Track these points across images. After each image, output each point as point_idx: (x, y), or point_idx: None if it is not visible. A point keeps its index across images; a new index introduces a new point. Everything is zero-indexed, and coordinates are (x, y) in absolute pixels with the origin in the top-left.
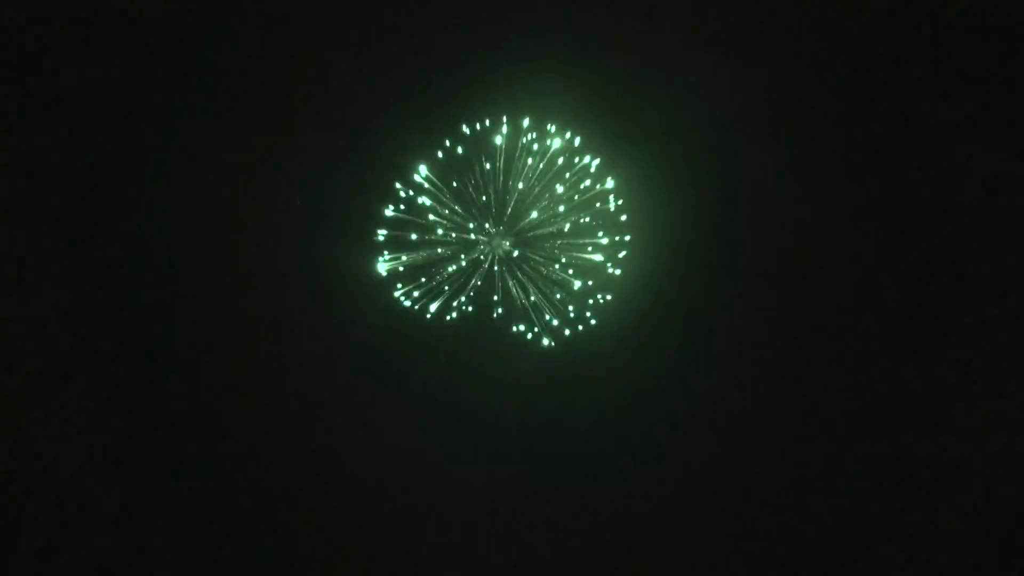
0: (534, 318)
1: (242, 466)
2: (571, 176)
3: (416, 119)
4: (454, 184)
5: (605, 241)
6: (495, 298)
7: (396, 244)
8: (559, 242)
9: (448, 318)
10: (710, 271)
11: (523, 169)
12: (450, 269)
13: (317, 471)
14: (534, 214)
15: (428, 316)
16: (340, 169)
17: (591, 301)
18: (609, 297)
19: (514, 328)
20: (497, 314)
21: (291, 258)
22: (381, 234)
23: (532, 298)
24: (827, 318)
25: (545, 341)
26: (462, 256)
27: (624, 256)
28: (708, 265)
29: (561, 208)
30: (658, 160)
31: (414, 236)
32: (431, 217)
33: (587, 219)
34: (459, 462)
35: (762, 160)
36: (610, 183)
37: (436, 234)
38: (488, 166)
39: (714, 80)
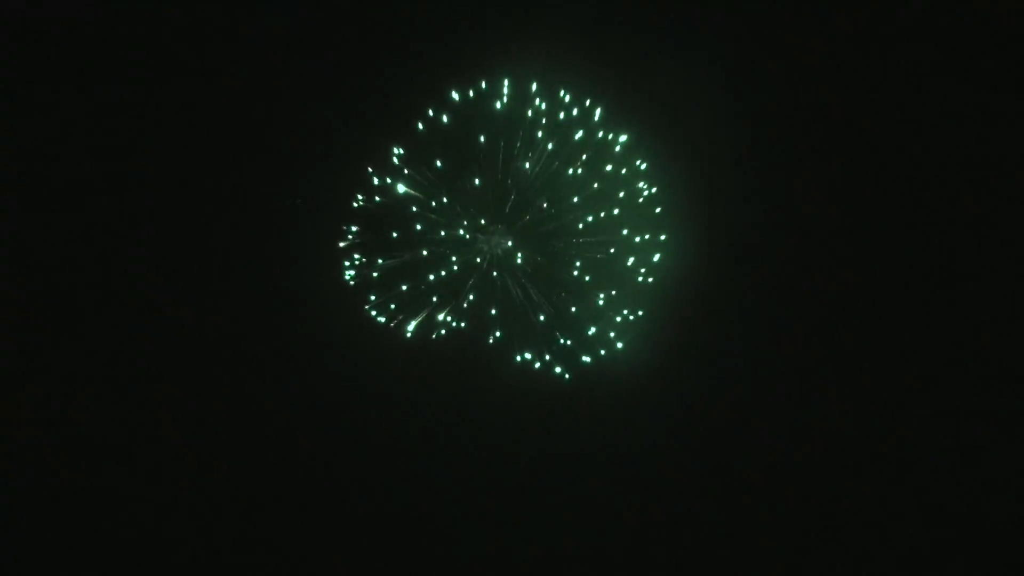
0: (543, 341)
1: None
2: (590, 157)
3: (391, 82)
4: (438, 164)
5: (637, 240)
6: (492, 313)
7: (367, 244)
8: (575, 241)
9: (433, 336)
10: (772, 280)
11: (530, 147)
12: (435, 276)
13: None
14: (544, 205)
15: (407, 335)
16: (293, 148)
17: (617, 318)
18: (640, 313)
19: (518, 357)
20: (495, 338)
21: (227, 267)
22: (348, 232)
23: (541, 316)
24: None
25: (558, 369)
26: (453, 259)
27: (658, 260)
28: (770, 273)
29: (576, 199)
30: (703, 137)
31: (395, 235)
32: (414, 209)
33: (612, 212)
34: (449, 547)
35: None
36: (641, 166)
37: (417, 231)
38: (484, 142)
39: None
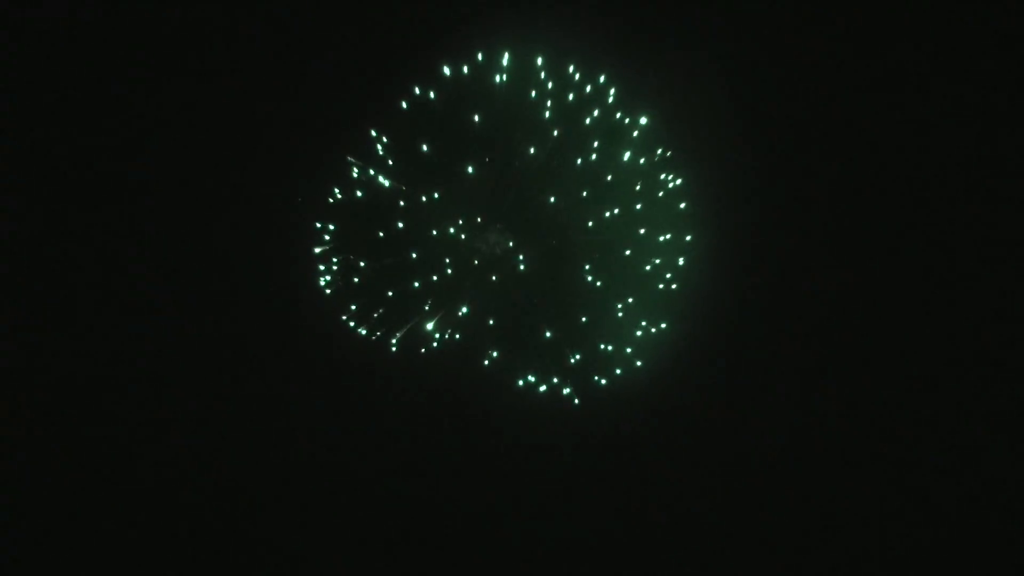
0: (549, 357)
1: None
2: (604, 143)
3: (372, 56)
4: (424, 149)
5: (663, 239)
6: (490, 323)
7: (345, 245)
8: (586, 241)
9: (422, 351)
10: (822, 292)
11: (533, 131)
12: (424, 281)
13: None
14: (551, 199)
15: (392, 349)
16: (254, 135)
17: (636, 331)
18: (664, 326)
19: (520, 381)
20: (491, 358)
21: (181, 271)
22: (324, 232)
23: (548, 333)
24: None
25: (566, 391)
26: (447, 260)
27: (684, 263)
28: (819, 282)
29: (584, 194)
30: (739, 119)
31: (381, 234)
32: (401, 203)
33: (628, 207)
34: None
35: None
36: (665, 153)
37: (403, 230)
38: (480, 126)
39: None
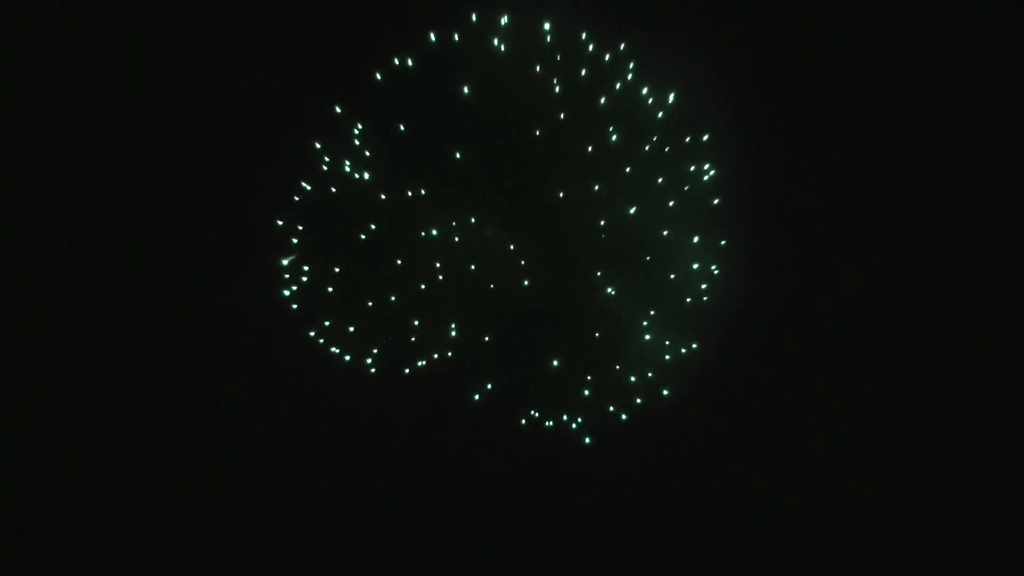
0: (554, 383)
1: None
2: (622, 125)
3: (343, 19)
4: (401, 129)
5: (693, 242)
6: (485, 340)
7: (313, 249)
8: (599, 243)
9: (406, 371)
10: (884, 305)
11: (538, 111)
12: (407, 292)
13: None
14: (560, 195)
15: (370, 371)
16: (203, 117)
17: (665, 356)
18: (694, 346)
19: (522, 418)
20: (487, 380)
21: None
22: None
23: (554, 361)
24: None
25: (575, 425)
26: (438, 265)
27: (717, 272)
28: (881, 294)
29: (598, 187)
30: (787, 96)
31: (363, 237)
32: (383, 197)
33: (650, 203)
34: None
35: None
36: (701, 139)
37: (382, 230)
38: (473, 102)
39: None
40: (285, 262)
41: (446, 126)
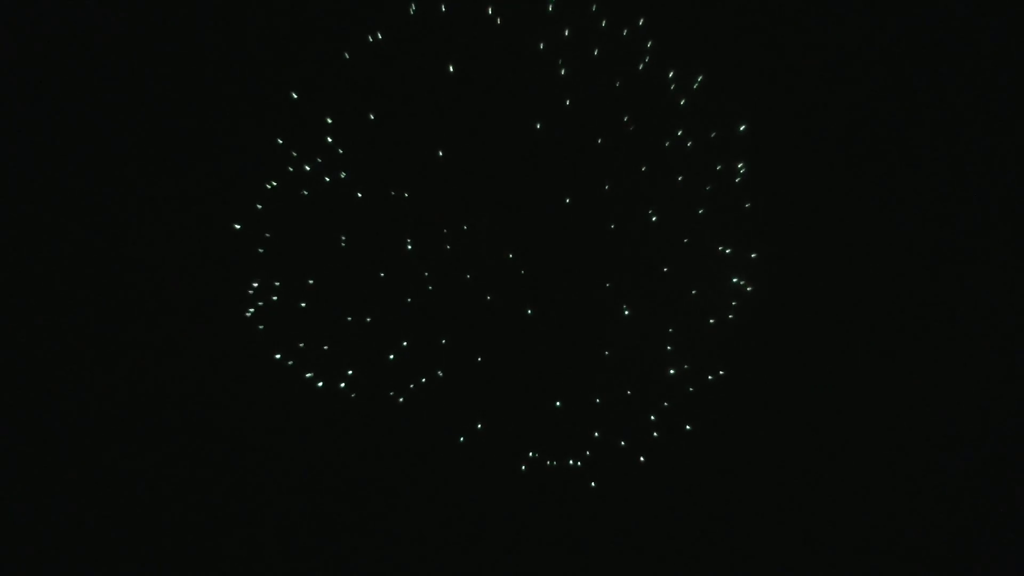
0: (558, 416)
1: None
2: (639, 112)
3: None
4: (379, 120)
5: (719, 252)
6: (478, 360)
7: (280, 257)
8: (612, 249)
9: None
10: (936, 323)
11: (542, 94)
12: (389, 305)
13: None
14: (567, 198)
15: (351, 397)
16: (150, 98)
17: (689, 387)
18: (721, 373)
19: (529, 456)
20: (481, 410)
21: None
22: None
23: (559, 399)
24: None
25: (579, 463)
26: (426, 274)
27: (751, 289)
28: (931, 308)
29: (607, 187)
30: (836, 81)
31: (343, 240)
32: (359, 195)
33: (671, 203)
34: None
35: None
36: (732, 132)
37: (361, 233)
38: (465, 81)
39: None
40: (254, 285)
41: (429, 113)
